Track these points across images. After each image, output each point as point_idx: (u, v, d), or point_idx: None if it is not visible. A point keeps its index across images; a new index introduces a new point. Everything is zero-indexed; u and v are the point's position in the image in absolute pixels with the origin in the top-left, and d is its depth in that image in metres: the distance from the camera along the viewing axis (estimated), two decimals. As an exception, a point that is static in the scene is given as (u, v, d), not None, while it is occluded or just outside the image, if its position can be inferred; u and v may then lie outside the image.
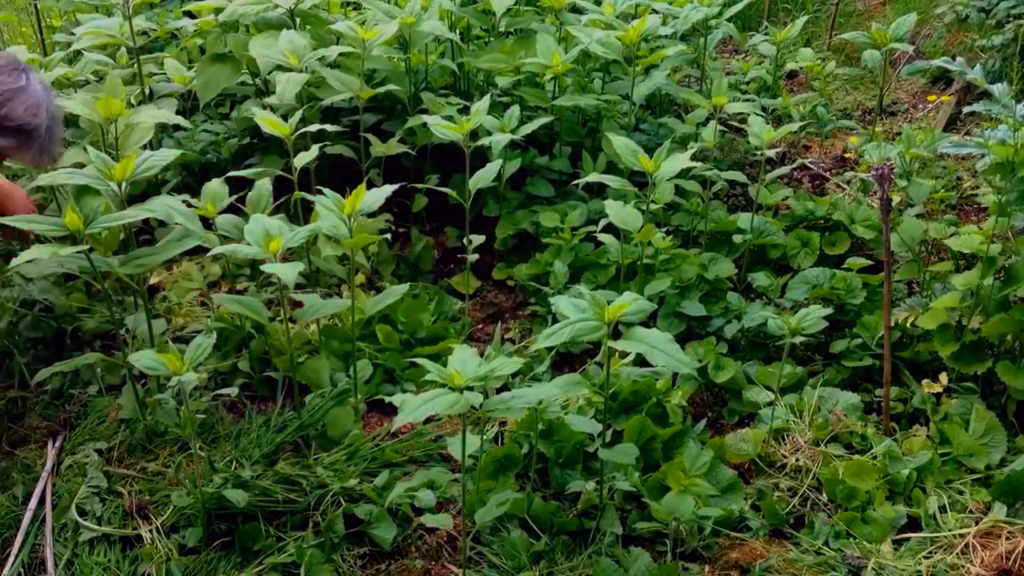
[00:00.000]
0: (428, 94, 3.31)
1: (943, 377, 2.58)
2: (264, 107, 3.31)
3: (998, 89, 2.45)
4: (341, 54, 3.10)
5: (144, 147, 2.62)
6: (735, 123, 4.16)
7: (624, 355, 2.42)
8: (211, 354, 2.70)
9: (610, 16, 3.31)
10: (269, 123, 2.60)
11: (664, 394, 2.52)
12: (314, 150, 2.60)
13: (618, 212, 2.62)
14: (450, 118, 2.86)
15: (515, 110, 3.05)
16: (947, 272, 2.70)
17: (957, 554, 2.13)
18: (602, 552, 2.12)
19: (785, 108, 4.16)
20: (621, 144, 2.58)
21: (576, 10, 3.59)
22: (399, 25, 3.19)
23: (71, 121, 3.62)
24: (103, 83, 2.86)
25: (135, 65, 3.31)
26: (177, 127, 3.49)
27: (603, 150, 3.30)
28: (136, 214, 2.18)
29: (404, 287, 2.48)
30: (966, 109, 2.67)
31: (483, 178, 2.73)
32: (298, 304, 2.46)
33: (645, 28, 3.12)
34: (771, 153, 2.94)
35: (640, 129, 3.72)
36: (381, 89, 3.15)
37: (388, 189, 2.27)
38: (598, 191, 3.39)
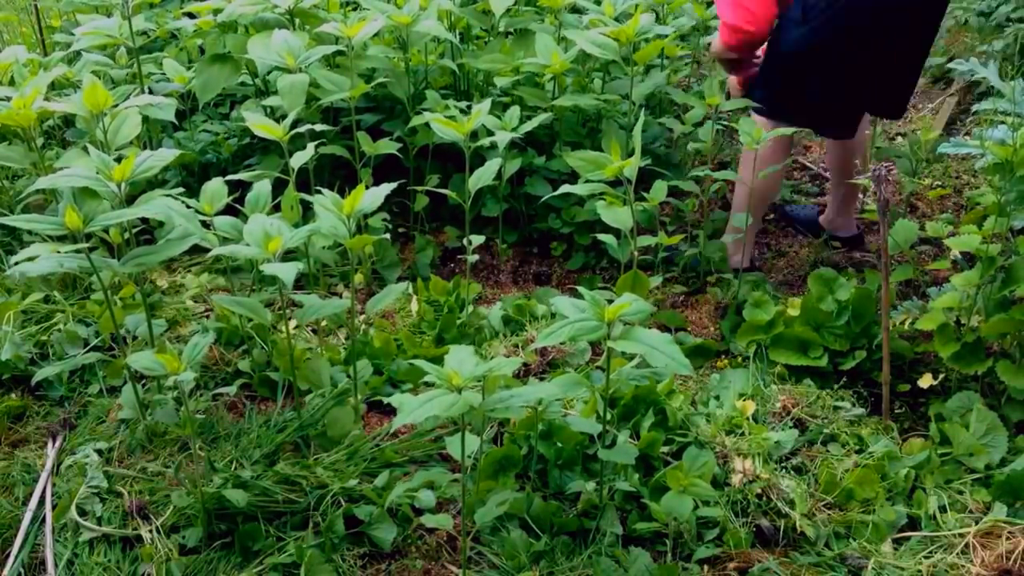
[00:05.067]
0: (432, 92, 3.31)
1: (938, 377, 2.59)
2: (264, 108, 3.32)
3: (1009, 87, 2.45)
4: (337, 53, 3.09)
5: (140, 144, 2.62)
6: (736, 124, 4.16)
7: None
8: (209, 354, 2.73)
9: (609, 17, 3.30)
10: (261, 127, 2.60)
11: (667, 397, 2.52)
12: (310, 150, 2.60)
13: (609, 213, 2.63)
14: (452, 118, 2.86)
15: (515, 110, 3.05)
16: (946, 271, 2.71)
17: (957, 554, 2.13)
18: (602, 552, 2.12)
19: (785, 108, 4.15)
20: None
21: (576, 10, 3.59)
22: (390, 24, 3.19)
23: (70, 121, 3.63)
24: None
25: (134, 65, 3.32)
26: (176, 127, 3.50)
27: (603, 150, 3.30)
28: (136, 212, 2.18)
29: (403, 285, 2.48)
30: (975, 107, 2.67)
31: (483, 177, 2.73)
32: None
33: (639, 27, 3.11)
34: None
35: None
36: (370, 86, 3.15)
37: (386, 188, 2.27)
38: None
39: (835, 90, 2.97)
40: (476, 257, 2.91)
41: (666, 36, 3.35)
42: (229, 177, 2.58)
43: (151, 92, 3.29)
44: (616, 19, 3.31)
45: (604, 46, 3.14)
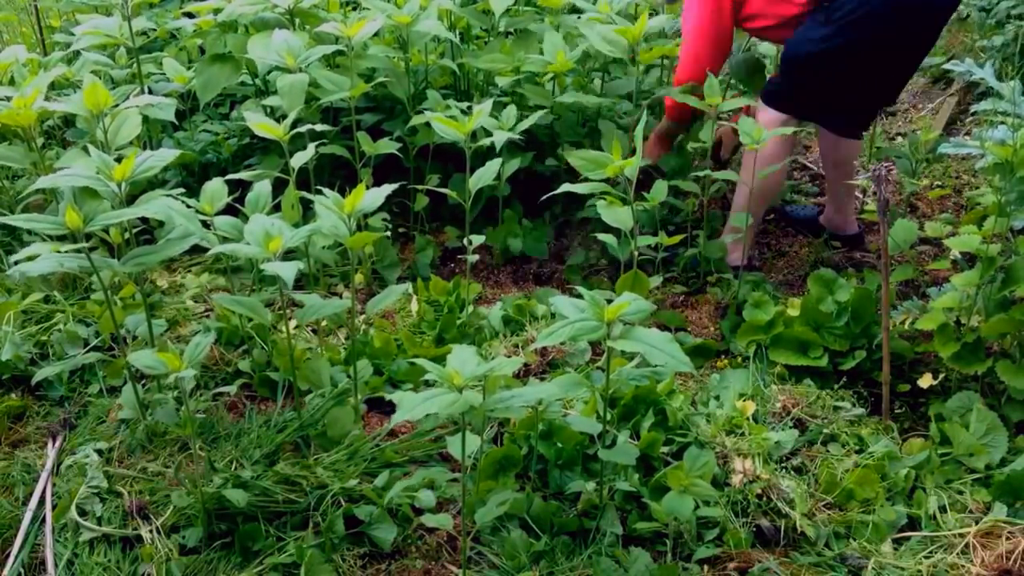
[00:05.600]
0: (432, 92, 3.32)
1: (938, 377, 2.59)
2: (264, 108, 3.32)
3: (1007, 87, 2.45)
4: (337, 53, 3.09)
5: (140, 144, 2.62)
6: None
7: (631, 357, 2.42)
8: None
9: (608, 14, 3.29)
10: (262, 127, 2.60)
11: (667, 397, 2.52)
12: (311, 150, 2.60)
13: (609, 212, 2.63)
14: (453, 117, 2.86)
15: (512, 109, 3.04)
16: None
17: (957, 554, 2.13)
18: (602, 552, 2.12)
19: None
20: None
21: (575, 11, 3.58)
22: (390, 23, 3.19)
23: (70, 121, 3.63)
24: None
25: (134, 65, 3.31)
26: (176, 127, 3.50)
27: (603, 150, 3.30)
28: (136, 212, 2.18)
29: (404, 286, 2.48)
30: (973, 108, 2.67)
31: (483, 177, 2.73)
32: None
33: (646, 27, 3.11)
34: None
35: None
36: (369, 86, 3.15)
37: (387, 188, 2.27)
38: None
39: (855, 89, 3.04)
40: (476, 257, 2.91)
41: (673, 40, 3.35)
42: (229, 176, 2.58)
43: (151, 92, 3.29)
44: (614, 19, 3.31)
45: (614, 43, 3.13)
